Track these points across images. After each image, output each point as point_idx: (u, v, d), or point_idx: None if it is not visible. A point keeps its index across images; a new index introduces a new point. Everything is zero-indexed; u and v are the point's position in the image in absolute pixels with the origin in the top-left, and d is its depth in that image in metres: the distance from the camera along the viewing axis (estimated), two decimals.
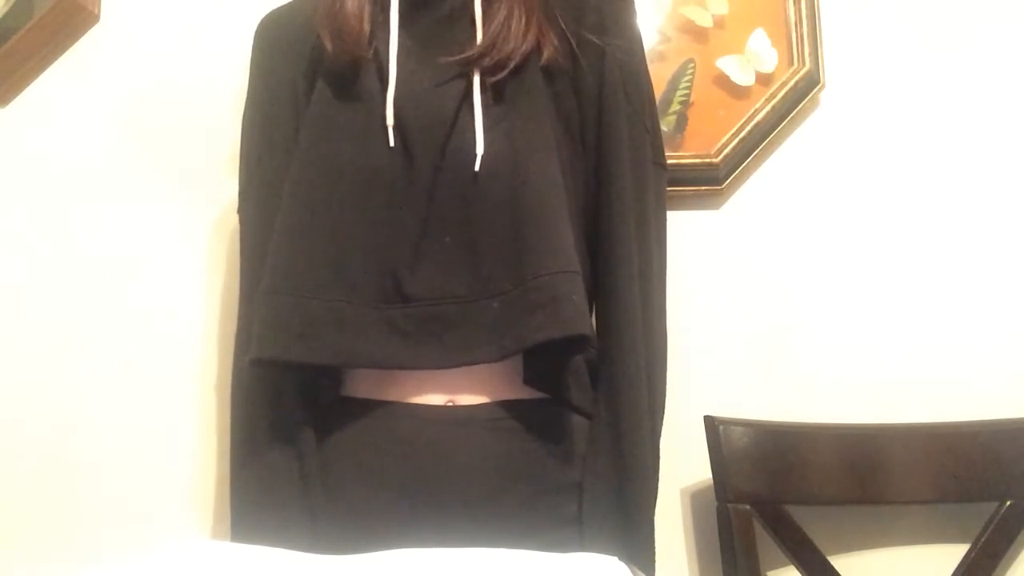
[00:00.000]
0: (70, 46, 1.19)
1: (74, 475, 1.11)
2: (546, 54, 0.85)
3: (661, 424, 0.90)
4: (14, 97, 1.18)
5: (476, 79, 0.84)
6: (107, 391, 1.12)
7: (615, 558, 0.62)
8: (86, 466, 1.11)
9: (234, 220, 1.13)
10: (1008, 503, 1.00)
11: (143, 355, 1.13)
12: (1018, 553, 1.06)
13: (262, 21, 0.95)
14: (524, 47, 0.84)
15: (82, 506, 1.10)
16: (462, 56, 0.84)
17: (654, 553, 0.85)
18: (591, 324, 0.81)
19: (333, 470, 0.84)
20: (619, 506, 0.84)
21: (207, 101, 1.17)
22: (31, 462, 1.11)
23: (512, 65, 0.84)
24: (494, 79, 0.84)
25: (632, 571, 0.61)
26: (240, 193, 0.94)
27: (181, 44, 1.19)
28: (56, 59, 1.18)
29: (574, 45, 0.88)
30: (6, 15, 1.16)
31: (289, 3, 0.97)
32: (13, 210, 1.16)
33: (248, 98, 0.95)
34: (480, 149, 0.82)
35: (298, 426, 0.85)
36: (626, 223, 0.87)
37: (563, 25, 0.88)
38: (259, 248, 0.88)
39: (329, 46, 0.85)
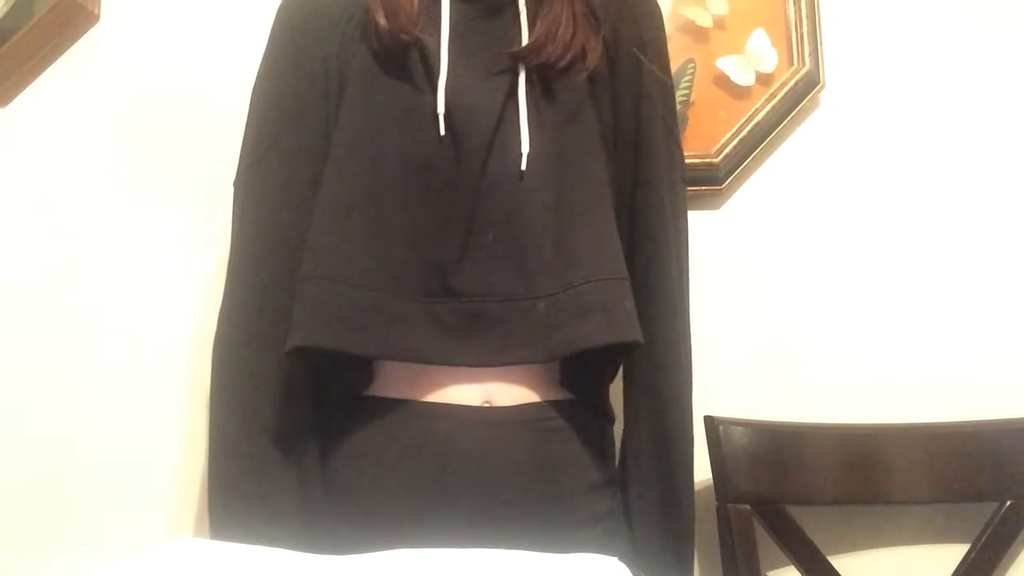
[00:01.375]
0: (70, 46, 1.19)
1: (72, 475, 1.11)
2: (590, 59, 0.85)
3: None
4: (14, 97, 1.18)
5: (522, 76, 0.83)
6: (107, 391, 1.12)
7: (615, 558, 0.62)
8: (85, 466, 1.11)
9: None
10: (1008, 503, 1.00)
11: (142, 355, 1.13)
12: (1018, 553, 1.06)
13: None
14: (571, 50, 0.84)
15: (80, 506, 1.10)
16: (511, 51, 0.83)
17: (693, 547, 0.88)
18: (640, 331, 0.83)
19: (357, 471, 0.83)
20: (664, 506, 0.86)
21: (207, 101, 1.17)
22: (29, 462, 1.11)
23: (561, 65, 0.83)
24: (541, 79, 0.84)
25: (632, 571, 0.61)
26: (246, 168, 0.89)
27: (181, 44, 1.19)
28: (56, 59, 1.18)
29: (612, 53, 0.89)
30: (6, 15, 1.16)
31: None
32: (12, 210, 1.16)
33: (266, 74, 0.90)
34: (526, 148, 0.81)
35: (304, 427, 0.84)
36: (667, 231, 0.88)
37: (603, 32, 0.88)
38: (263, 230, 0.86)
39: (384, 23, 0.83)
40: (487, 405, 0.82)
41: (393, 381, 0.84)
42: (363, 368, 0.84)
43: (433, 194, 0.82)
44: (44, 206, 1.16)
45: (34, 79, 1.18)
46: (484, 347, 0.80)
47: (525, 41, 0.84)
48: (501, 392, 0.83)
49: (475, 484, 0.80)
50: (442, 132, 0.81)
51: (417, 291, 0.81)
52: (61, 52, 1.18)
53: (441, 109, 0.81)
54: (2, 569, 1.09)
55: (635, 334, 0.81)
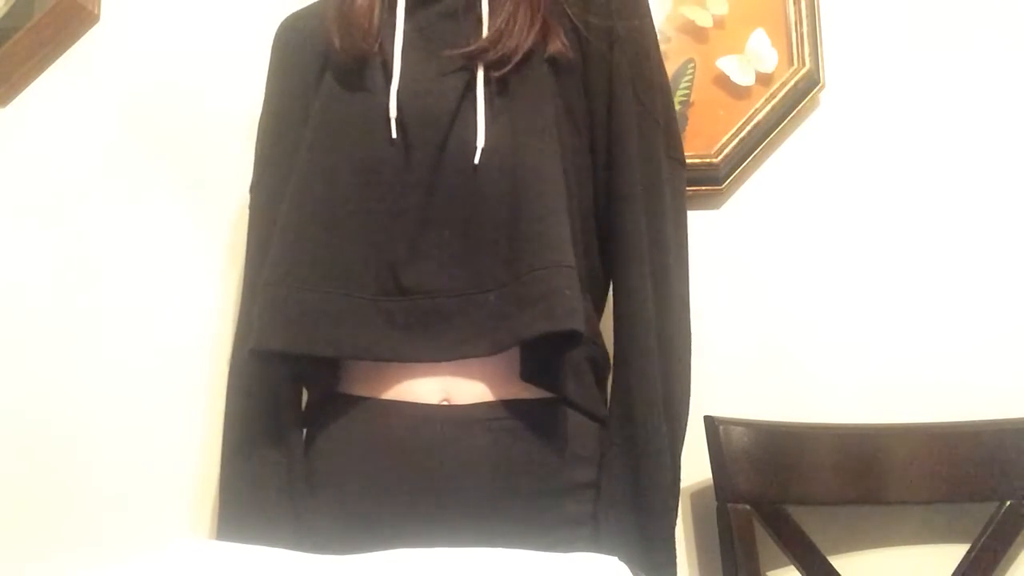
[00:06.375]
0: (70, 46, 1.19)
1: (74, 475, 1.11)
2: (551, 47, 0.85)
3: (685, 424, 0.88)
4: (14, 97, 1.18)
5: (480, 72, 0.84)
6: (109, 391, 1.12)
7: (615, 558, 0.62)
8: (86, 466, 1.11)
9: (233, 220, 1.14)
10: (1008, 503, 1.00)
11: (144, 354, 1.13)
12: (1018, 553, 1.06)
13: (279, 26, 0.96)
14: (529, 41, 0.84)
15: (83, 506, 1.10)
16: (466, 49, 0.84)
17: (674, 555, 0.84)
18: (583, 320, 0.80)
19: (328, 467, 0.84)
20: (635, 507, 0.83)
21: (207, 101, 1.17)
22: (30, 462, 1.11)
23: (516, 59, 0.83)
24: (498, 73, 0.84)
25: (632, 572, 0.61)
26: (250, 190, 0.95)
27: (181, 44, 1.19)
28: (56, 59, 1.18)
29: (583, 38, 0.88)
30: (6, 15, 1.16)
31: (307, 7, 0.97)
32: (13, 210, 1.16)
33: (264, 99, 0.96)
34: (481, 142, 0.82)
35: (288, 425, 0.86)
36: (637, 221, 0.87)
37: (572, 18, 0.88)
38: (263, 243, 0.88)
39: (337, 42, 0.86)
40: (445, 403, 0.82)
41: (357, 379, 0.86)
42: (332, 368, 0.87)
43: (387, 196, 0.83)
44: (44, 206, 1.16)
45: (34, 79, 1.18)
46: (436, 343, 0.81)
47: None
48: (459, 389, 0.83)
49: (433, 483, 0.80)
50: (394, 135, 0.83)
51: (370, 291, 0.82)
52: (61, 52, 1.19)
53: (393, 113, 0.83)
54: (2, 569, 1.09)
55: (573, 323, 0.77)
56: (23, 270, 1.15)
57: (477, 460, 0.81)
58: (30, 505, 1.10)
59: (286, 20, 0.97)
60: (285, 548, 0.64)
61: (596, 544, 0.84)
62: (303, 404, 0.91)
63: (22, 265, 1.15)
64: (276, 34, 0.96)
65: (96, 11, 1.19)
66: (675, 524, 0.85)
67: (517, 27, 0.84)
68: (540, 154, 0.83)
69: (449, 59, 0.84)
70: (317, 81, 0.89)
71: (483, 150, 0.81)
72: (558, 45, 0.85)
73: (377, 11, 0.87)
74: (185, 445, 1.11)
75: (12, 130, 1.17)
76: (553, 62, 0.86)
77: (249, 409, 0.88)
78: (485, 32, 0.85)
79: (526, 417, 0.83)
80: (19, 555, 1.09)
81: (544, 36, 0.85)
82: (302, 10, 0.97)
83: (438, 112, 0.83)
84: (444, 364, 0.82)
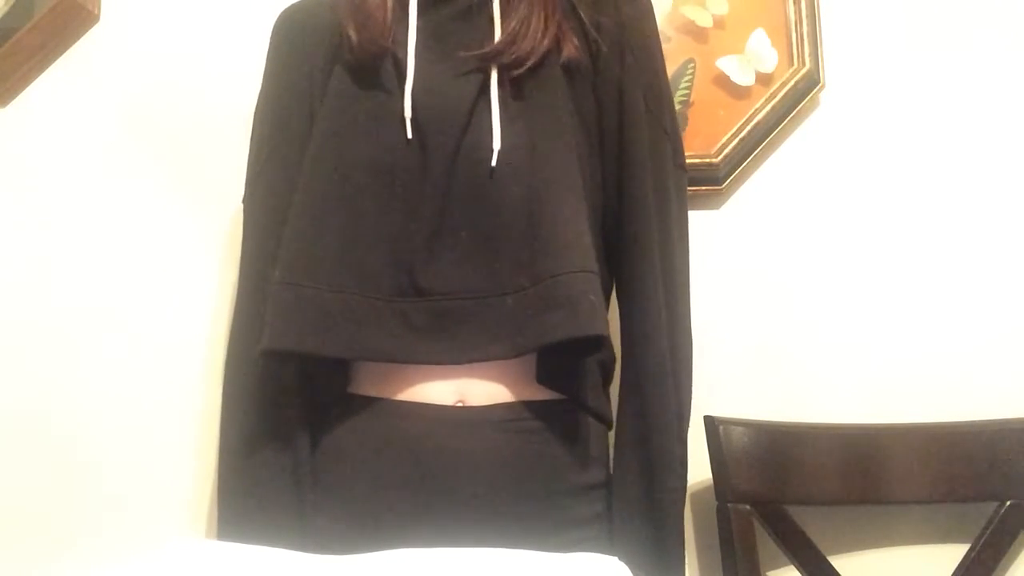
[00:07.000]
0: (70, 46, 1.19)
1: (74, 475, 1.11)
2: (565, 52, 0.85)
3: (688, 425, 0.89)
4: (14, 97, 1.18)
5: (494, 74, 0.84)
6: (109, 391, 1.12)
7: (615, 558, 0.62)
8: (87, 466, 1.11)
9: (233, 219, 1.14)
10: (1008, 503, 1.00)
11: (144, 354, 1.13)
12: (1018, 553, 1.06)
13: (280, 15, 0.94)
14: (543, 45, 0.84)
15: (83, 506, 1.10)
16: (481, 51, 0.84)
17: (683, 554, 0.85)
18: (607, 325, 0.80)
19: (336, 468, 0.84)
20: (647, 507, 0.84)
21: (207, 101, 1.17)
22: (31, 462, 1.11)
23: (530, 62, 0.83)
24: (512, 75, 0.84)
25: (633, 572, 0.61)
26: (247, 184, 0.93)
27: (181, 44, 1.19)
28: (56, 59, 1.18)
29: (593, 45, 0.88)
30: (6, 15, 1.16)
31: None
32: (12, 210, 1.16)
33: (262, 90, 0.94)
34: (497, 144, 0.81)
35: (294, 424, 0.85)
36: (649, 227, 0.87)
37: (583, 25, 0.88)
38: (263, 239, 0.88)
39: (354, 37, 0.85)
40: (460, 404, 0.82)
41: (369, 380, 0.85)
42: (342, 368, 0.86)
43: (403, 196, 0.83)
44: (44, 206, 1.16)
45: (34, 79, 1.18)
46: (452, 345, 0.81)
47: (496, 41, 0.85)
48: (474, 391, 0.82)
49: (446, 485, 0.80)
50: (409, 135, 0.82)
51: (386, 291, 0.82)
52: (61, 52, 1.18)
53: (408, 112, 0.82)
54: (3, 569, 1.09)
55: (598, 328, 0.78)
56: (23, 270, 1.15)
57: (490, 461, 0.81)
58: (30, 505, 1.10)
59: (287, 10, 0.94)
60: (288, 548, 0.64)
61: (607, 544, 0.84)
62: (309, 404, 0.90)
63: (22, 265, 1.15)
64: (276, 24, 0.94)
65: (96, 11, 1.19)
66: (683, 524, 0.86)
67: (531, 30, 0.84)
68: (558, 158, 0.83)
69: (463, 60, 0.84)
70: (324, 75, 0.88)
71: (499, 152, 0.81)
72: (572, 50, 0.85)
73: (390, 8, 0.86)
74: (185, 445, 1.11)
75: (12, 130, 1.17)
76: (567, 67, 0.86)
77: (252, 408, 0.86)
78: (498, 34, 0.85)
79: (539, 419, 0.84)
80: (19, 555, 1.09)
81: (558, 40, 0.85)
82: (303, 1, 0.95)
83: (453, 113, 0.83)
84: (460, 366, 0.81)
